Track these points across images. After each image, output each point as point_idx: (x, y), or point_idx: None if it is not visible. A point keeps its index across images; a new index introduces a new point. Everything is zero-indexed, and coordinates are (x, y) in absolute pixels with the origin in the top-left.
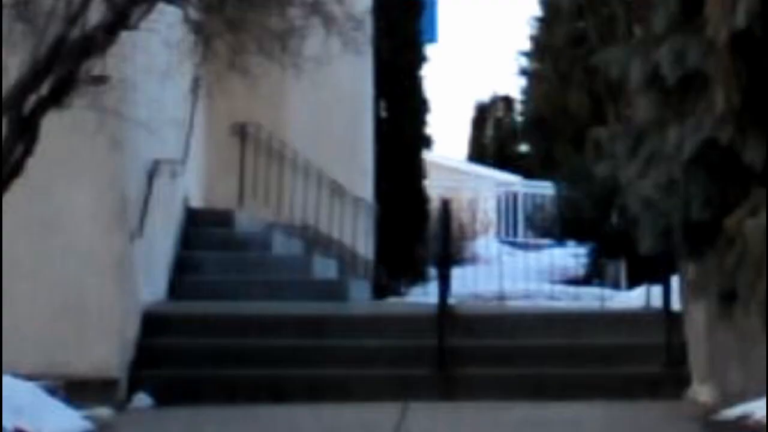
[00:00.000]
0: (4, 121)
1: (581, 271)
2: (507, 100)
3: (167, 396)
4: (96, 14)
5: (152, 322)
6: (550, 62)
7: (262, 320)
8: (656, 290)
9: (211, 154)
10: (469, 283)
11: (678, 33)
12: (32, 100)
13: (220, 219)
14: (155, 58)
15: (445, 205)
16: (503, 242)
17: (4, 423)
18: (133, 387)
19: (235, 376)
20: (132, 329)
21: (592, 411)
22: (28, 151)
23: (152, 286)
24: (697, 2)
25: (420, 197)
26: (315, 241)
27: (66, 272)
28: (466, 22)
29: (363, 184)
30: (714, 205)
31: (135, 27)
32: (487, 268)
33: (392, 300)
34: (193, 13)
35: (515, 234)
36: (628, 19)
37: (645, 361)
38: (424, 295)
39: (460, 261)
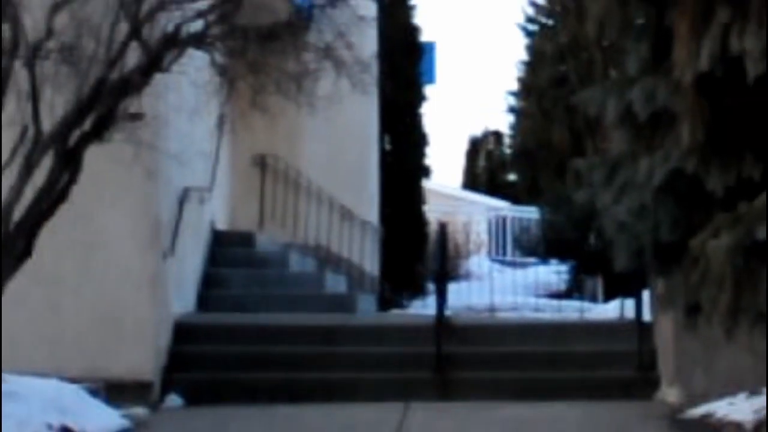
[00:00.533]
0: (51, 153)
1: (563, 286)
2: (497, 135)
3: (196, 397)
4: (132, 58)
5: (182, 332)
6: (535, 101)
7: (280, 330)
8: (629, 303)
9: (234, 182)
10: (463, 297)
11: (648, 75)
12: (76, 134)
13: (243, 240)
14: (185, 98)
15: (442, 227)
16: (494, 260)
17: (52, 421)
18: (166, 389)
19: (256, 380)
20: (164, 338)
21: (572, 410)
22: (72, 180)
23: (182, 299)
24: (665, 47)
25: (420, 221)
26: (327, 259)
27: (106, 287)
28: (461, 65)
29: (369, 209)
30: (680, 228)
31: (167, 70)
32: (479, 283)
33: (395, 312)
34: (219, 58)
35: (504, 253)
36: (605, 63)
37: (619, 366)
38: (423, 308)
39: (455, 277)
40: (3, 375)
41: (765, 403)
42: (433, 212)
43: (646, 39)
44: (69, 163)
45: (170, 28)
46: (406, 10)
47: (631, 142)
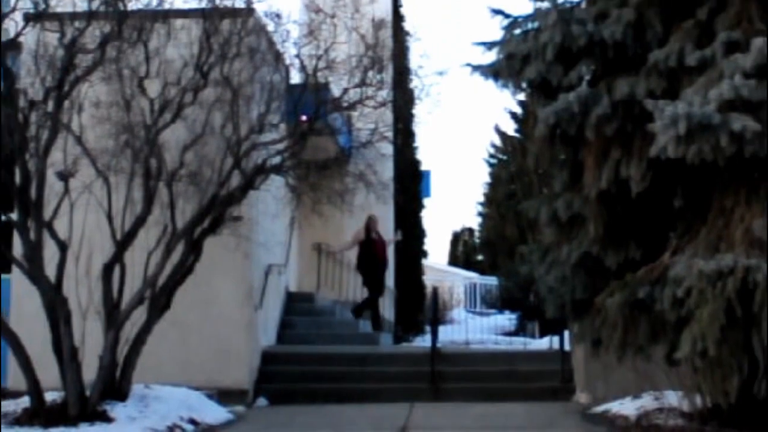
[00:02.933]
0: (182, 242)
1: (513, 328)
2: (470, 230)
3: (276, 399)
4: (235, 181)
5: (267, 357)
6: (495, 208)
7: (329, 356)
8: (556, 339)
9: (300, 261)
10: (448, 335)
11: (568, 192)
12: (198, 230)
13: (306, 298)
14: (269, 206)
15: (434, 290)
16: (468, 311)
17: (183, 415)
18: (256, 394)
19: (314, 388)
20: (255, 361)
21: (519, 408)
22: (196, 259)
23: (267, 336)
24: (578, 174)
25: (420, 286)
26: None
27: (218, 328)
28: (448, 184)
29: (388, 278)
30: (588, 290)
31: (257, 188)
32: (459, 326)
33: (404, 344)
34: (291, 180)
35: (475, 307)
36: (539, 184)
37: (549, 380)
38: (422, 342)
39: (443, 322)
40: (152, 385)
41: (647, 404)
42: (428, 280)
43: (566, 168)
44: (194, 249)
45: (259, 161)
46: (412, 150)
47: (556, 235)
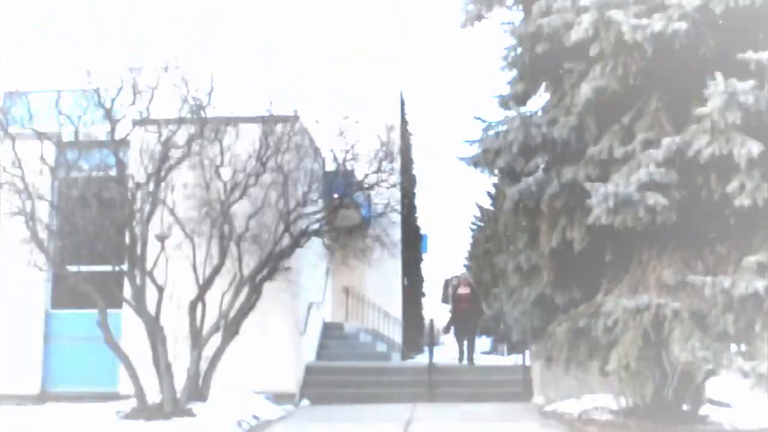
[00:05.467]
0: (247, 286)
1: (488, 348)
2: (457, 278)
3: (315, 401)
4: (285, 241)
5: (309, 369)
6: (475, 261)
7: (355, 369)
8: (519, 356)
9: (334, 299)
10: (441, 354)
11: (528, 249)
12: (259, 277)
13: (337, 327)
14: (310, 259)
15: (431, 321)
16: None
17: (250, 411)
18: (301, 396)
19: (343, 393)
20: (300, 372)
21: (493, 406)
22: (257, 298)
23: (309, 354)
24: (536, 236)
25: (420, 318)
26: (377, 336)
27: (273, 349)
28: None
29: (397, 312)
30: (543, 321)
31: (302, 246)
32: (449, 347)
33: (409, 360)
34: (326, 241)
35: None
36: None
37: (514, 386)
38: (422, 358)
39: (437, 344)
40: (225, 390)
41: (586, 404)
42: (427, 314)
43: (526, 232)
44: (255, 291)
45: (303, 226)
46: (414, 219)
47: (519, 280)
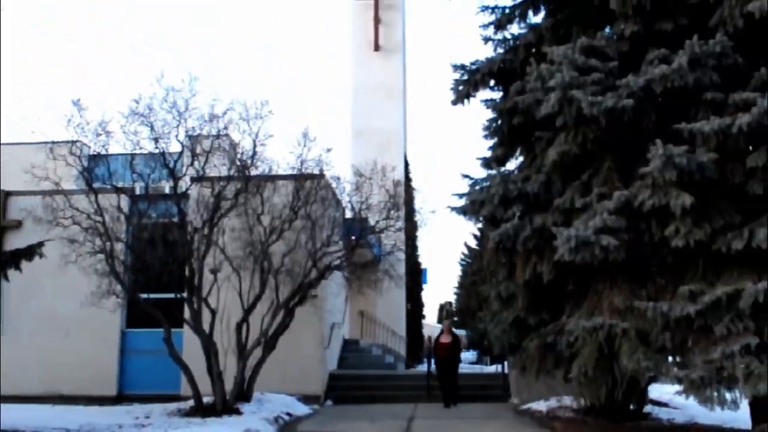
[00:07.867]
0: (283, 310)
1: (475, 359)
2: (450, 303)
3: (337, 401)
4: (313, 274)
5: (333, 376)
6: (464, 291)
7: (368, 376)
8: (500, 366)
9: (351, 321)
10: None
11: (506, 281)
12: (292, 303)
13: (354, 342)
14: (333, 288)
15: (429, 338)
16: None
17: (283, 410)
18: (326, 398)
19: (359, 395)
20: (325, 378)
21: (478, 406)
22: (291, 320)
23: (332, 364)
24: (513, 271)
25: (420, 335)
26: (386, 349)
27: (303, 360)
28: (437, 277)
29: (402, 330)
30: (518, 338)
31: (326, 278)
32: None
33: (412, 369)
34: (346, 274)
35: None
36: (490, 276)
37: (495, 390)
38: (422, 367)
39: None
40: (265, 393)
41: (552, 404)
42: (426, 332)
43: (505, 267)
44: (289, 314)
45: (327, 263)
46: (416, 256)
47: (500, 306)
